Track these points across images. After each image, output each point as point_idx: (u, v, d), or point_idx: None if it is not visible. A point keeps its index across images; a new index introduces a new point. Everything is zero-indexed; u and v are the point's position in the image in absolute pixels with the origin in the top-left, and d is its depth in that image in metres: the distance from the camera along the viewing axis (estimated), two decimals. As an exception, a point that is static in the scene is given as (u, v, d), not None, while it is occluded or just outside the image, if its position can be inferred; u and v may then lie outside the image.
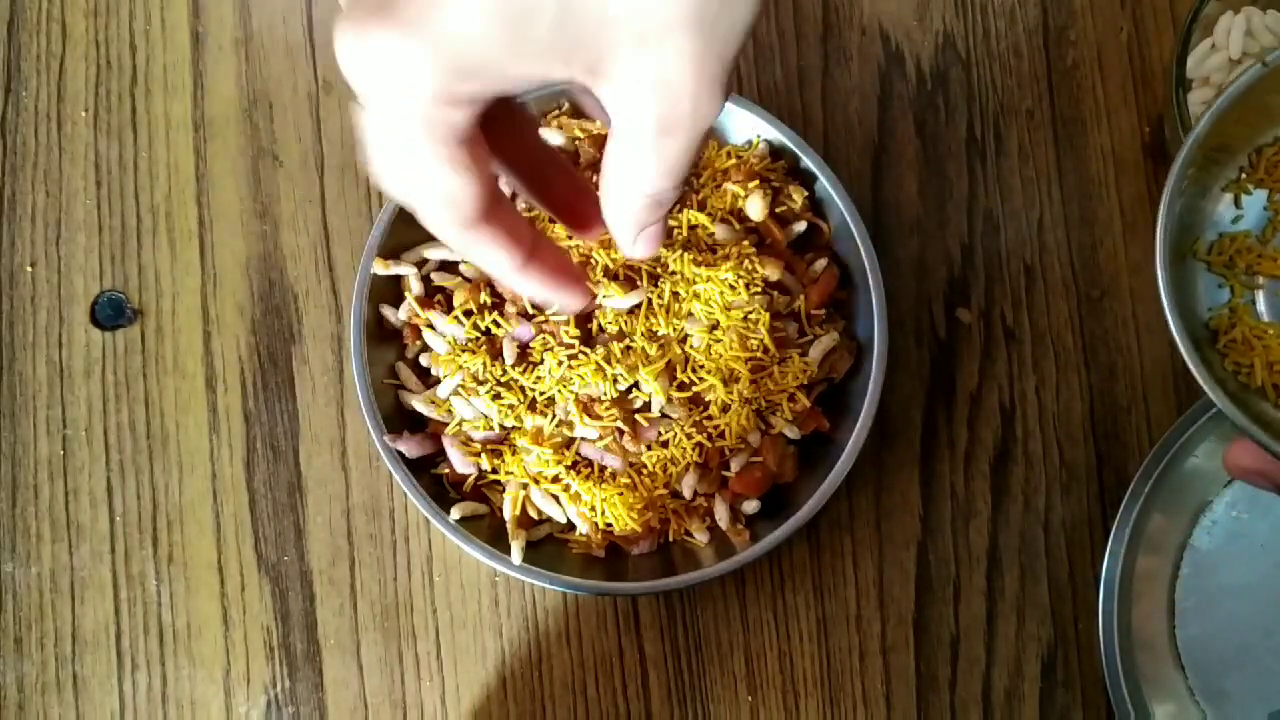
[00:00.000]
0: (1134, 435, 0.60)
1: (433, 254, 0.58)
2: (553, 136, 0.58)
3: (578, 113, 0.58)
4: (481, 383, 0.56)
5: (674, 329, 0.55)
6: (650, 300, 0.55)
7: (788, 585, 0.59)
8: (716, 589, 0.59)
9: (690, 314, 0.55)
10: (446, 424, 0.57)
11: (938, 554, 0.59)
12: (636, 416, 0.55)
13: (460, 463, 0.56)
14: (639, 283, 0.56)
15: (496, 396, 0.56)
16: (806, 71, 0.63)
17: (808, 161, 0.57)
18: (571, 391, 0.55)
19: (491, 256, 0.36)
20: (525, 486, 0.56)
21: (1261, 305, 0.47)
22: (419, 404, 0.57)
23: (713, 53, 0.31)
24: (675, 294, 0.55)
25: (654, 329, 0.55)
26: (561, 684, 0.59)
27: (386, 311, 0.58)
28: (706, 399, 0.55)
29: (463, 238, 0.35)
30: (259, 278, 0.62)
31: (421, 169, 0.33)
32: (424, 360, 0.58)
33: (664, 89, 0.31)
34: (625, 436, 0.55)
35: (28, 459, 0.61)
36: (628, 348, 0.55)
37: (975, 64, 0.62)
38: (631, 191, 0.35)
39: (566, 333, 0.55)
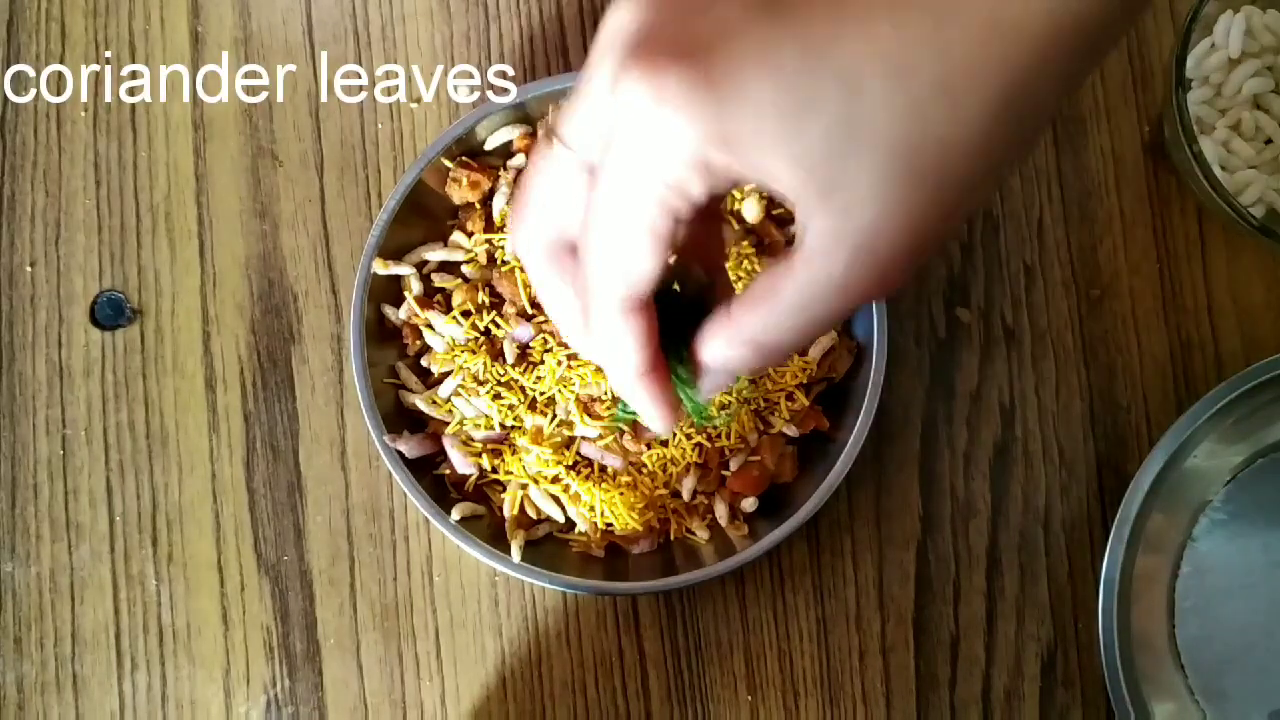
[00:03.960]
0: (1134, 435, 0.60)
1: (432, 255, 0.58)
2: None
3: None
4: (482, 383, 0.56)
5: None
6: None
7: (788, 585, 0.59)
8: (716, 589, 0.59)
9: None
10: (446, 424, 0.57)
11: (938, 554, 0.59)
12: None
13: (460, 463, 0.56)
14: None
15: (497, 396, 0.56)
16: (806, 71, 0.63)
17: (807, 161, 0.57)
18: (571, 391, 0.55)
19: (625, 346, 0.34)
20: (525, 486, 0.56)
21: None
22: (419, 404, 0.57)
23: (931, 231, 0.30)
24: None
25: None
26: (561, 684, 0.59)
27: (387, 311, 0.58)
28: (706, 399, 0.55)
29: (616, 315, 0.33)
30: (258, 278, 0.62)
31: (626, 241, 0.31)
32: (424, 360, 0.58)
33: (865, 242, 0.29)
34: (625, 436, 0.55)
35: (27, 459, 0.61)
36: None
37: (975, 63, 0.62)
38: (751, 346, 0.33)
39: (566, 333, 0.55)
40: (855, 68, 0.28)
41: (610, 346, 0.35)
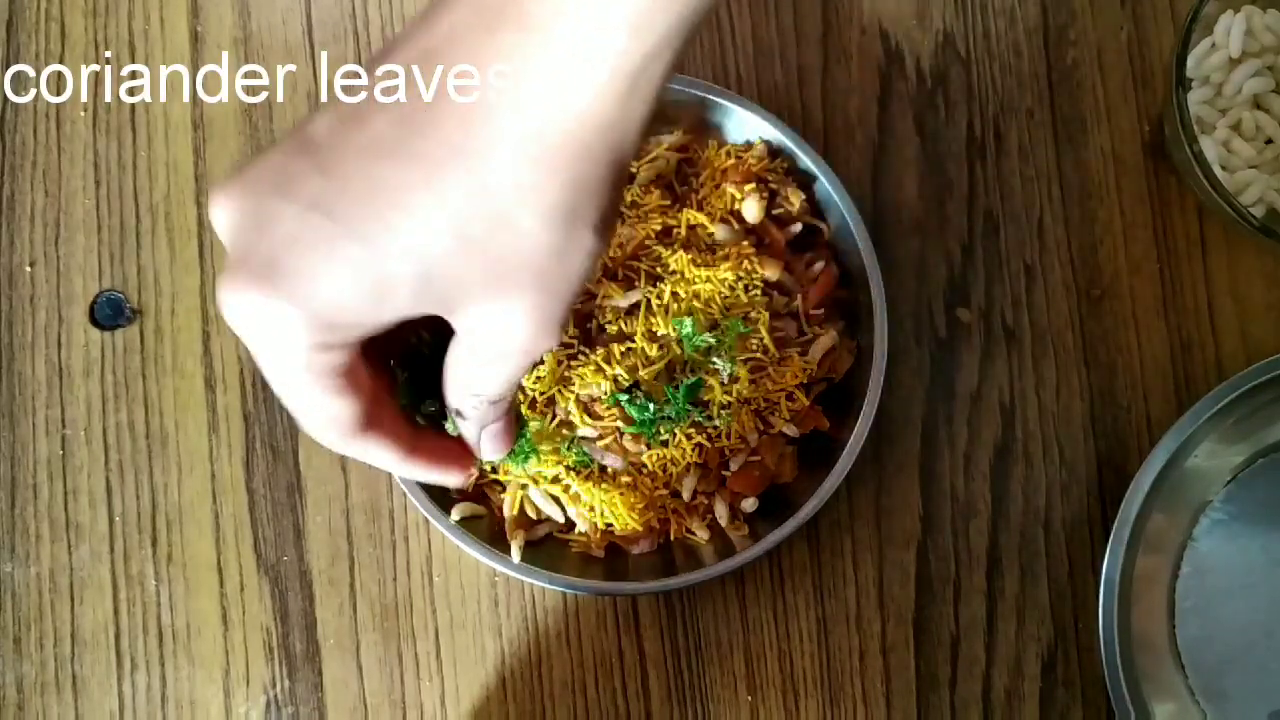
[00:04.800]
0: (1134, 435, 0.60)
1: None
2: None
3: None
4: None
5: (673, 329, 0.55)
6: (650, 300, 0.55)
7: (788, 585, 0.59)
8: (716, 589, 0.59)
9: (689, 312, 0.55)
10: (446, 424, 0.57)
11: (938, 554, 0.59)
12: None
13: (460, 463, 0.56)
14: (638, 283, 0.56)
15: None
16: (806, 71, 0.63)
17: (807, 161, 0.57)
18: (571, 391, 0.55)
19: (376, 457, 0.40)
20: (525, 486, 0.56)
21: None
22: (418, 404, 0.57)
23: (550, 301, 0.35)
24: (675, 294, 0.55)
25: (654, 329, 0.55)
26: (561, 684, 0.59)
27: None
28: (705, 399, 0.55)
29: (348, 446, 0.39)
30: (258, 277, 0.61)
31: (305, 398, 0.37)
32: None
33: (505, 329, 0.35)
34: (625, 436, 0.55)
35: (27, 459, 0.61)
36: (628, 349, 0.55)
37: (975, 63, 0.62)
38: (467, 393, 0.39)
39: (566, 333, 0.55)
40: (419, 233, 0.33)
41: (368, 458, 0.40)
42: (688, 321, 0.54)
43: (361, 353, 0.37)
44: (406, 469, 0.41)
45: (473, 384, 0.38)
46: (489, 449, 0.42)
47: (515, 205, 0.33)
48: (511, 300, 0.34)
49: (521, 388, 0.56)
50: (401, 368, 0.42)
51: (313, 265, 0.33)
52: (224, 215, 0.35)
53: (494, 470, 0.56)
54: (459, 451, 0.43)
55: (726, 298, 0.56)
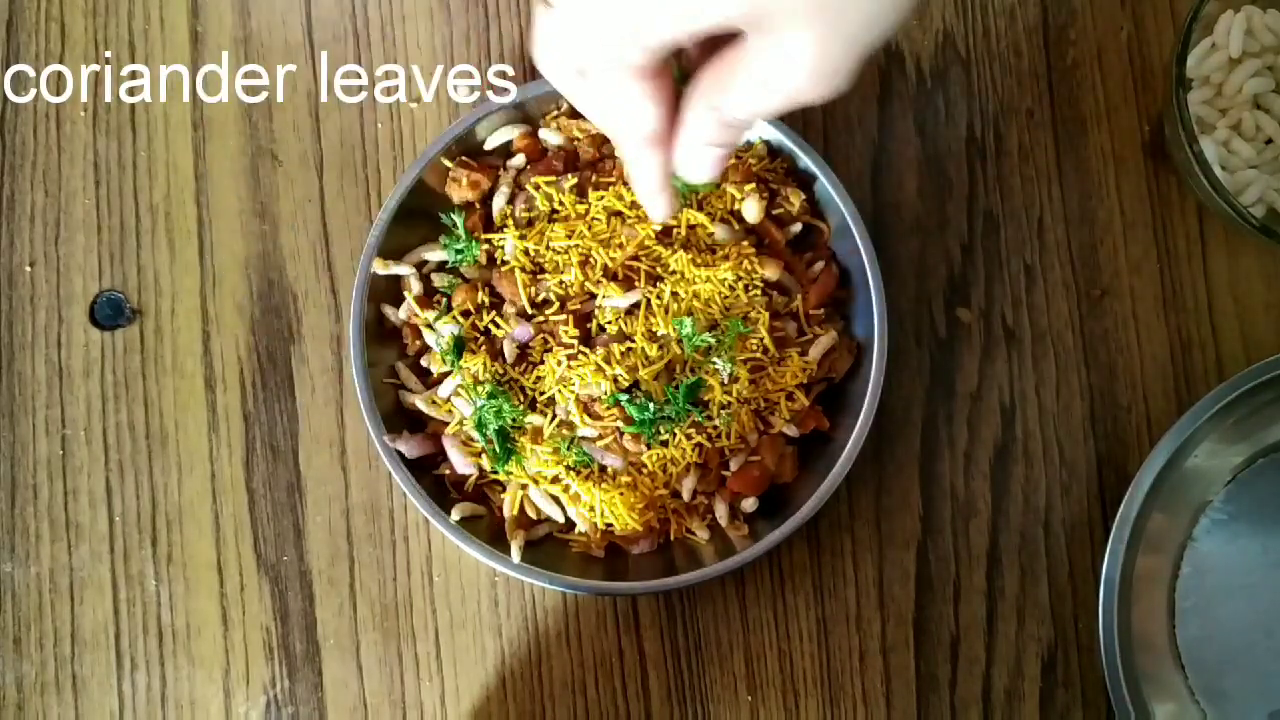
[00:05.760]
0: (1134, 435, 0.60)
1: (432, 255, 0.58)
2: (551, 137, 0.58)
3: (575, 113, 0.58)
4: (481, 383, 0.56)
5: (674, 329, 0.55)
6: (650, 300, 0.55)
7: (788, 585, 0.59)
8: (716, 589, 0.59)
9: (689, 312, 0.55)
10: (446, 424, 0.57)
11: (938, 554, 0.59)
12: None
13: (460, 463, 0.56)
14: (638, 283, 0.56)
15: (495, 396, 0.56)
16: (806, 71, 0.63)
17: (807, 161, 0.57)
18: (571, 391, 0.55)
19: (649, 172, 0.42)
20: (525, 486, 0.56)
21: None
22: (419, 404, 0.57)
23: (836, 42, 0.35)
24: (675, 294, 0.55)
25: (654, 329, 0.55)
26: (561, 684, 0.59)
27: (387, 311, 0.58)
28: (705, 399, 0.55)
29: (638, 152, 0.42)
30: (258, 277, 0.62)
31: (620, 95, 0.39)
32: (424, 360, 0.58)
33: (782, 60, 0.36)
34: (625, 436, 0.55)
35: (27, 459, 0.61)
36: (628, 349, 0.55)
37: (975, 63, 0.62)
38: (718, 109, 0.39)
39: (566, 333, 0.55)
40: None
41: (649, 165, 0.42)
42: (687, 321, 0.54)
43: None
44: (659, 189, 0.43)
45: (724, 101, 0.39)
46: (698, 167, 0.42)
47: None
48: (794, 31, 0.35)
49: (521, 388, 0.56)
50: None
51: None
52: None
53: (494, 470, 0.56)
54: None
55: (726, 298, 0.56)
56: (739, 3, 0.35)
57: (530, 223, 0.57)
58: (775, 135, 0.57)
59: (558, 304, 0.56)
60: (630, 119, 0.40)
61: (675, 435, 0.55)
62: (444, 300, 0.57)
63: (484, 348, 0.56)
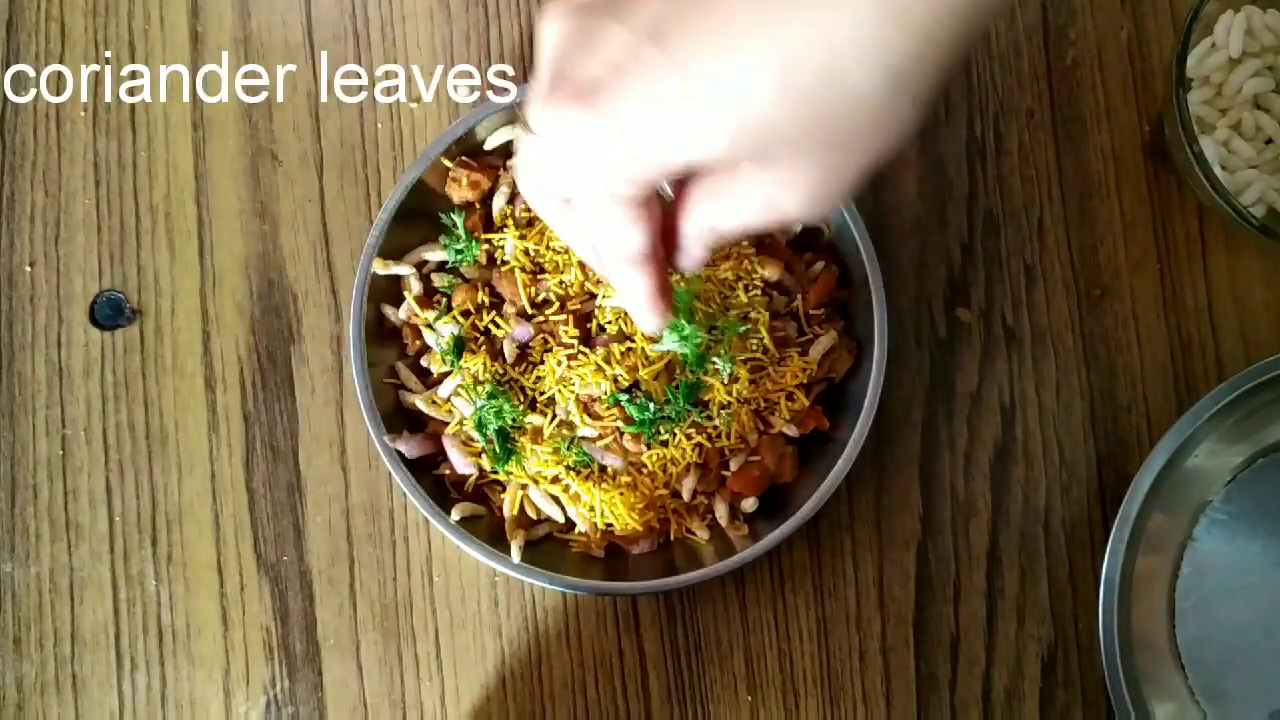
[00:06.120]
0: (1134, 435, 0.60)
1: (432, 255, 0.58)
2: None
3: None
4: (481, 383, 0.56)
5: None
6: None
7: (788, 585, 0.59)
8: (716, 589, 0.59)
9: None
10: (446, 424, 0.57)
11: (938, 554, 0.59)
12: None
13: (460, 463, 0.56)
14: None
15: (495, 396, 0.56)
16: (806, 71, 0.63)
17: (807, 161, 0.57)
18: (571, 391, 0.55)
19: (637, 288, 0.42)
20: (525, 486, 0.56)
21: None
22: (419, 404, 0.57)
23: (837, 171, 0.35)
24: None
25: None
26: (561, 684, 0.59)
27: (387, 311, 0.58)
28: (705, 399, 0.55)
29: (623, 272, 0.41)
30: (258, 277, 0.62)
31: (603, 221, 0.38)
32: (424, 360, 0.58)
33: (779, 187, 0.36)
34: (625, 436, 0.55)
35: (27, 459, 0.61)
36: (628, 349, 0.55)
37: (975, 63, 0.62)
38: (706, 216, 0.39)
39: (566, 333, 0.55)
40: (745, 76, 0.33)
41: (636, 285, 0.42)
42: (686, 327, 0.54)
43: None
44: (649, 305, 0.42)
45: (715, 215, 0.38)
46: (689, 260, 0.42)
47: (852, 60, 0.32)
48: (801, 163, 0.34)
49: (521, 388, 0.56)
50: None
51: (637, 94, 0.33)
52: (554, 29, 0.35)
53: (494, 470, 0.56)
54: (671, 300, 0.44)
55: (726, 298, 0.56)
56: (741, 143, 0.34)
57: (530, 223, 0.57)
58: (775, 135, 0.57)
59: (558, 304, 0.56)
60: (618, 245, 0.40)
61: (675, 435, 0.55)
62: (444, 300, 0.57)
63: (484, 348, 0.56)
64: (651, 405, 0.54)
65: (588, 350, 0.55)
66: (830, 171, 0.35)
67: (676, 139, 0.34)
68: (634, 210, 0.38)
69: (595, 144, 0.35)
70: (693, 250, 0.41)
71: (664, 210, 0.41)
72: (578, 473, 0.55)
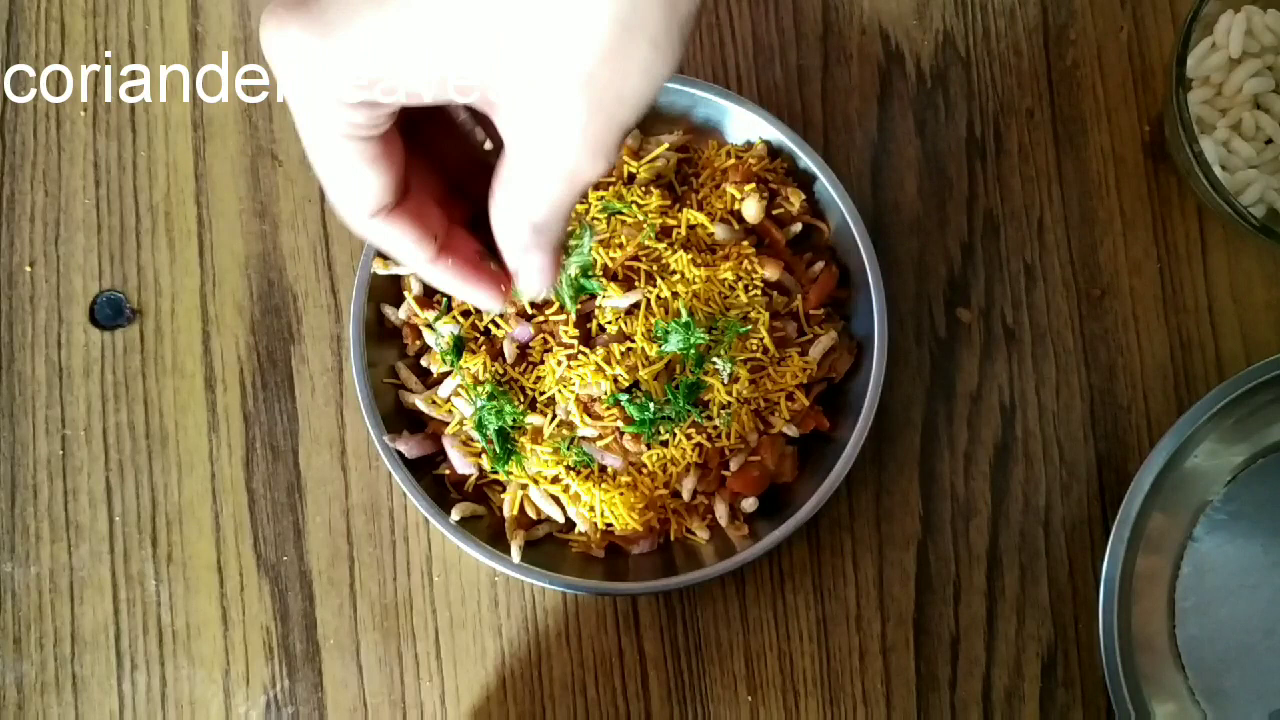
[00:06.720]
0: (1134, 435, 0.60)
1: (432, 254, 0.58)
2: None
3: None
4: (481, 383, 0.56)
5: (673, 330, 0.55)
6: (650, 300, 0.55)
7: (788, 585, 0.59)
8: (716, 589, 0.59)
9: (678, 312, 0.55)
10: (446, 424, 0.57)
11: (938, 554, 0.59)
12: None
13: (460, 463, 0.56)
14: (638, 283, 0.56)
15: (495, 396, 0.56)
16: (806, 71, 0.63)
17: (807, 161, 0.57)
18: (571, 391, 0.55)
19: (397, 248, 0.38)
20: (525, 486, 0.56)
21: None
22: (419, 404, 0.57)
23: (599, 117, 0.33)
24: (675, 294, 0.55)
25: (654, 329, 0.55)
26: (561, 684, 0.59)
27: (387, 311, 0.58)
28: (705, 399, 0.55)
29: (369, 226, 0.37)
30: (258, 277, 0.62)
31: (333, 159, 0.35)
32: (424, 360, 0.58)
33: (550, 142, 0.33)
34: (625, 436, 0.55)
35: (27, 459, 0.61)
36: (628, 349, 0.55)
37: (975, 63, 0.62)
38: (515, 213, 0.36)
39: (566, 333, 0.55)
40: None
41: (388, 247, 0.38)
42: (676, 335, 0.54)
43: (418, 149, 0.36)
44: (430, 271, 0.39)
45: (515, 204, 0.36)
46: (527, 279, 0.39)
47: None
48: (556, 106, 0.33)
49: (521, 388, 0.56)
50: None
51: (355, 10, 0.32)
52: None
53: (494, 470, 0.56)
54: (494, 274, 0.40)
55: (726, 298, 0.56)
56: (460, 73, 0.32)
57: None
58: (775, 135, 0.57)
59: (558, 304, 0.56)
60: (353, 193, 0.36)
61: (675, 435, 0.55)
62: (444, 300, 0.57)
63: (484, 348, 0.56)
64: (651, 405, 0.54)
65: (588, 350, 0.55)
66: (587, 118, 0.33)
67: (399, 61, 0.33)
68: (368, 146, 0.35)
69: (320, 63, 0.33)
70: (520, 259, 0.38)
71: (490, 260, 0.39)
72: (578, 473, 0.55)
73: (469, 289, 0.40)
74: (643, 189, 0.57)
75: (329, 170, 0.36)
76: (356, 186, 0.36)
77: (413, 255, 0.38)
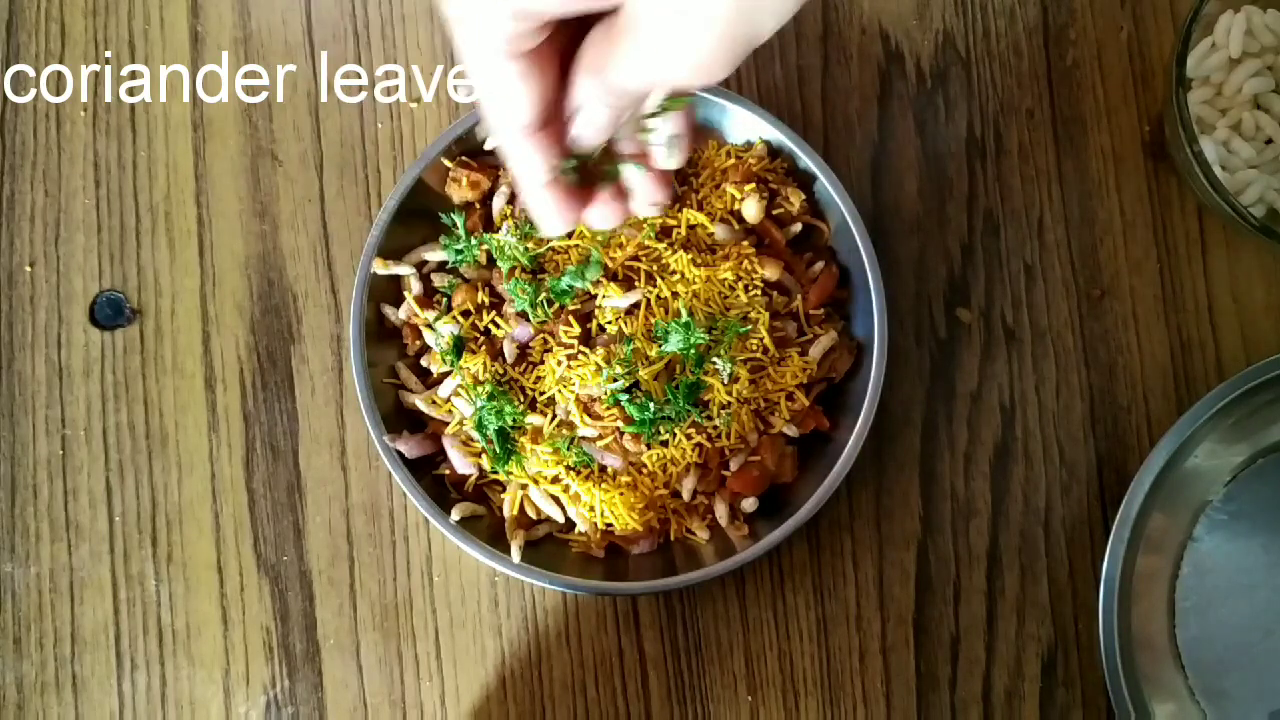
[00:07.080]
0: (1134, 435, 0.60)
1: (432, 255, 0.58)
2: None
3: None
4: (481, 383, 0.56)
5: (672, 330, 0.55)
6: (650, 300, 0.55)
7: (788, 585, 0.59)
8: (716, 589, 0.59)
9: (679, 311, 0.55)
10: (446, 424, 0.57)
11: (938, 554, 0.59)
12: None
13: (460, 463, 0.56)
14: (638, 283, 0.56)
15: (495, 396, 0.56)
16: (806, 71, 0.63)
17: (807, 161, 0.57)
18: (571, 391, 0.55)
19: (527, 161, 0.40)
20: (525, 486, 0.56)
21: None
22: (419, 404, 0.57)
23: (743, 26, 0.34)
24: (675, 294, 0.55)
25: (654, 329, 0.55)
26: (561, 684, 0.59)
27: (387, 311, 0.58)
28: (705, 399, 0.55)
29: (516, 141, 0.39)
30: (258, 277, 0.62)
31: (493, 72, 0.37)
32: (424, 360, 0.58)
33: (686, 29, 0.34)
34: (625, 436, 0.55)
35: (27, 459, 0.61)
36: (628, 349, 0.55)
37: (975, 63, 0.62)
38: (600, 74, 0.38)
39: (566, 333, 0.55)
40: None
41: (521, 163, 0.40)
42: (676, 335, 0.54)
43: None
44: (540, 192, 0.41)
45: (614, 65, 0.37)
46: (583, 126, 0.40)
47: None
48: (699, 16, 0.34)
49: (521, 388, 0.56)
50: None
51: None
52: None
53: (494, 470, 0.56)
54: (579, 211, 0.42)
55: (726, 298, 0.56)
56: None
57: (531, 223, 0.57)
58: (775, 135, 0.57)
59: (558, 304, 0.56)
60: (507, 105, 0.39)
61: (675, 435, 0.55)
62: (444, 300, 0.57)
63: (484, 348, 0.56)
64: (651, 405, 0.54)
65: (588, 350, 0.55)
66: (721, 39, 0.34)
67: None
68: (525, 62, 0.37)
69: None
70: (585, 107, 0.39)
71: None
72: (578, 473, 0.55)
73: (558, 213, 0.41)
74: (643, 189, 0.57)
75: (486, 85, 0.38)
76: (514, 98, 0.38)
77: (536, 170, 0.40)
